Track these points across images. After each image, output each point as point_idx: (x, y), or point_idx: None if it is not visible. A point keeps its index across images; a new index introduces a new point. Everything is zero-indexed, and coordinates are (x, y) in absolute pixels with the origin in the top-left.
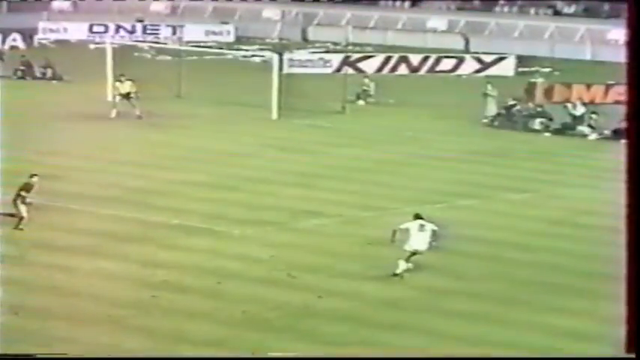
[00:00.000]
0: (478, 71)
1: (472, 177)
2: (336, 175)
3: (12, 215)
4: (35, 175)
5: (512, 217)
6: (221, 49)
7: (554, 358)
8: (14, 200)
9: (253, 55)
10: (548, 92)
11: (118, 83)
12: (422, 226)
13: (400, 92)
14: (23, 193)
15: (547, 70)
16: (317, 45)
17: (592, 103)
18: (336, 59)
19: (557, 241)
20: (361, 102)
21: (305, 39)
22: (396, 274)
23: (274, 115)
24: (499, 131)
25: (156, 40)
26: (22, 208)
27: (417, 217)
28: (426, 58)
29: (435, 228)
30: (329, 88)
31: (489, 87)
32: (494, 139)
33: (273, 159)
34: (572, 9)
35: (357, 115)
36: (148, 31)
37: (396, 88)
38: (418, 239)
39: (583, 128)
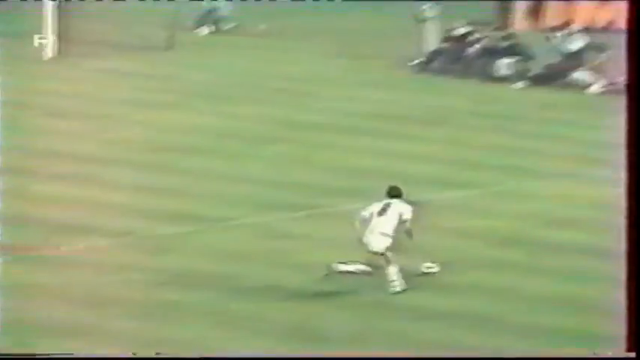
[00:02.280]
0: None
1: (382, 163)
2: (150, 162)
3: None
4: None
5: (438, 231)
6: None
7: (555, 358)
8: None
9: None
10: (534, 12)
11: None
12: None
13: (278, 13)
14: None
15: None
16: None
17: (607, 28)
18: None
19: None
20: (205, 30)
21: None
22: None
23: (49, 51)
24: (439, 80)
25: None
26: None
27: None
28: None
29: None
30: (152, 9)
31: (428, 4)
32: (430, 94)
33: (36, 129)
34: None
35: (195, 53)
36: None
37: (271, 7)
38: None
39: (581, 75)
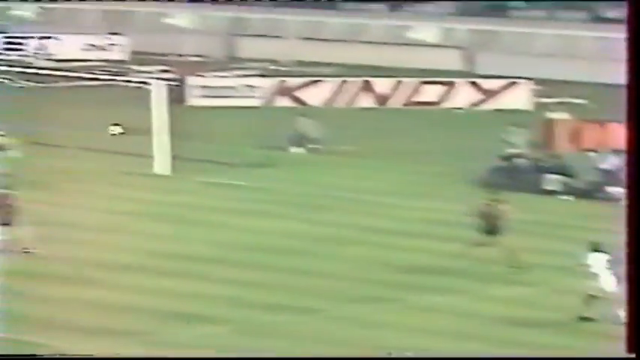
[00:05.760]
0: (477, 103)
1: (445, 262)
2: (250, 261)
3: None
4: None
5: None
6: (105, 70)
7: (555, 358)
8: None
9: (128, 81)
10: (575, 135)
11: None
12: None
13: (362, 135)
14: None
15: (578, 101)
16: (247, 65)
17: None
18: (267, 85)
19: None
20: (299, 149)
21: (232, 56)
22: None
23: (164, 168)
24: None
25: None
26: None
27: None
28: (398, 84)
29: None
30: (253, 130)
31: (512, 129)
32: None
33: (155, 236)
34: (619, 12)
35: (292, 170)
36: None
37: (355, 129)
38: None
39: (616, 190)
